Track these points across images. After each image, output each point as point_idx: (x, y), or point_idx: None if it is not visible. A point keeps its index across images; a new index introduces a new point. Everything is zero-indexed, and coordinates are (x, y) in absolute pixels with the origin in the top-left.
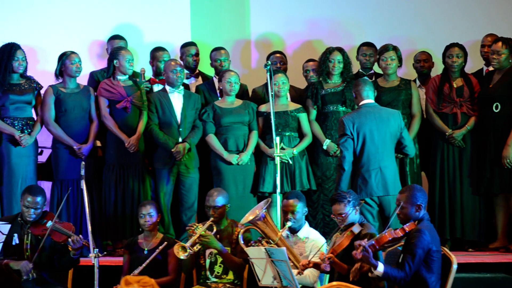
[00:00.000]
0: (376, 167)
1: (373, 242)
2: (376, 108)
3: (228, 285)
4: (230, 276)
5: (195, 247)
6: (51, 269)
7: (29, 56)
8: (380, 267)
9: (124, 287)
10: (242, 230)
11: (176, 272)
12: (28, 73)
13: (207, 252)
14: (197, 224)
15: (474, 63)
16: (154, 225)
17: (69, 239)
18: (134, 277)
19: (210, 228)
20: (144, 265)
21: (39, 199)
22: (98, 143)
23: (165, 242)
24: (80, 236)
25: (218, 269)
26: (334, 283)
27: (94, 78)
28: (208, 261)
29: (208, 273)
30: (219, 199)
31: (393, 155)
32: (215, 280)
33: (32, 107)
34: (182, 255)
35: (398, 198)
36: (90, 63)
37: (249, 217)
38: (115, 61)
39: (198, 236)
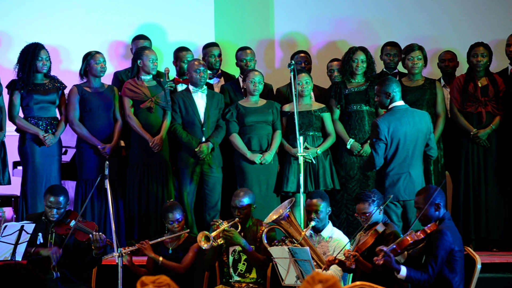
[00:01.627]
0: (406, 171)
1: (395, 246)
2: (409, 111)
3: (251, 285)
4: (253, 274)
5: (218, 240)
6: (75, 268)
7: (52, 56)
8: (403, 271)
9: None
10: (266, 230)
11: (187, 265)
12: (51, 73)
13: (231, 249)
14: (221, 221)
15: (499, 63)
16: (183, 226)
17: (92, 238)
18: (149, 277)
19: (235, 226)
20: (160, 239)
21: (61, 199)
22: (122, 143)
23: (187, 230)
24: (103, 235)
25: (241, 266)
26: (358, 282)
27: (118, 78)
28: (231, 258)
29: (231, 270)
30: (244, 199)
31: (421, 158)
32: (238, 279)
33: (56, 107)
34: (204, 245)
35: (416, 201)
36: (110, 64)
37: (273, 216)
38: (138, 61)
39: (222, 230)
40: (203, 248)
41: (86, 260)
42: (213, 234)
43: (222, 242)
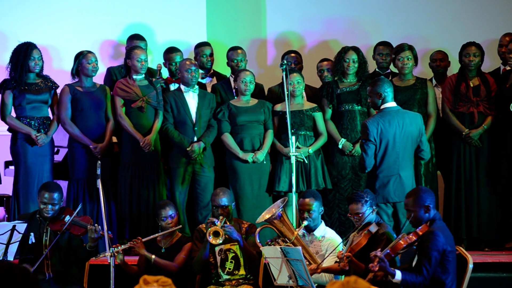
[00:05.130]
0: (396, 173)
1: (388, 251)
2: (400, 112)
3: (241, 281)
4: (242, 271)
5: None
6: (68, 265)
7: (43, 55)
8: (398, 275)
9: (143, 285)
10: (258, 229)
11: (179, 264)
12: (43, 73)
13: (217, 249)
14: (215, 219)
15: (492, 63)
16: (176, 224)
17: (88, 229)
18: (152, 276)
19: (225, 223)
20: (153, 236)
21: (56, 195)
22: (114, 139)
23: (180, 226)
24: (99, 226)
25: (229, 265)
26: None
27: (111, 74)
28: (218, 258)
29: (219, 270)
30: (225, 198)
31: (412, 160)
32: (227, 277)
33: (48, 107)
34: (217, 241)
35: (405, 203)
36: (102, 63)
37: (265, 215)
38: (128, 60)
39: (221, 227)
40: (218, 243)
41: (79, 254)
42: (218, 227)
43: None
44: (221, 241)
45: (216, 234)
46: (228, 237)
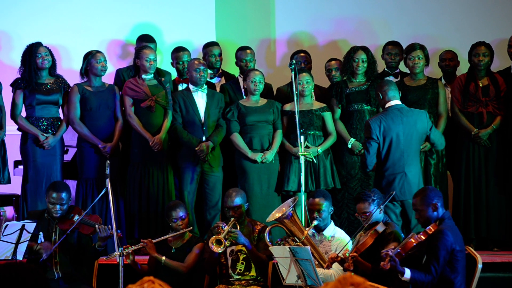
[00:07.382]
0: (401, 171)
1: (399, 250)
2: (404, 110)
3: (251, 282)
4: (253, 272)
5: (226, 242)
6: (77, 263)
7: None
8: (407, 273)
9: None
10: (268, 228)
11: (190, 265)
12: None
13: (228, 250)
14: (223, 223)
15: (501, 62)
16: (187, 225)
17: (97, 228)
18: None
19: (234, 227)
20: (163, 238)
21: (63, 194)
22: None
23: (190, 228)
24: (109, 226)
25: (240, 266)
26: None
27: (120, 75)
28: (230, 259)
29: (230, 271)
30: (237, 199)
31: (418, 158)
32: (238, 277)
33: (59, 107)
34: (218, 249)
35: (413, 203)
36: (110, 63)
37: (276, 214)
38: (136, 60)
39: (227, 232)
40: (219, 252)
41: (88, 253)
42: (222, 235)
43: (227, 244)
44: (221, 250)
45: (218, 242)
46: (235, 242)
